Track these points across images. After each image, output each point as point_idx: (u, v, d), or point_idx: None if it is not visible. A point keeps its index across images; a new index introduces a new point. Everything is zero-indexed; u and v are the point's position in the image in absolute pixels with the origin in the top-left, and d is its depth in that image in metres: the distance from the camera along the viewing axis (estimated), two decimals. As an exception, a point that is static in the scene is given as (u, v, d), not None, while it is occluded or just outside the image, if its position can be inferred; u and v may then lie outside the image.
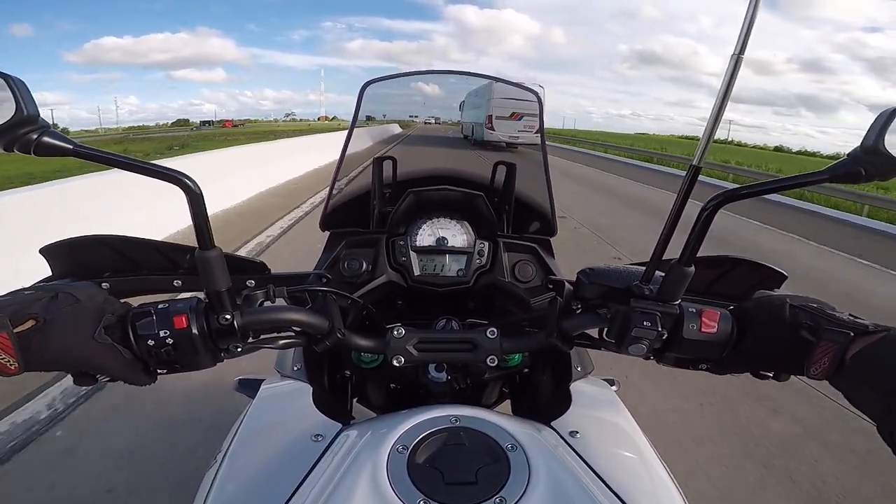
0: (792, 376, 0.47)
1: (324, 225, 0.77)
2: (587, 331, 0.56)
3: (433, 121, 1.53)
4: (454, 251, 0.73)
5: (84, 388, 0.45)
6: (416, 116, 1.44)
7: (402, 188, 0.75)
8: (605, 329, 0.52)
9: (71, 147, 0.38)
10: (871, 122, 0.39)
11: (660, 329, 0.47)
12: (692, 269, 0.45)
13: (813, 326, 0.43)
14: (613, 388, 0.68)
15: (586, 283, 0.53)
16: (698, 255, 0.45)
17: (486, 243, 0.74)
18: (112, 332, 0.43)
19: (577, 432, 0.53)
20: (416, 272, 0.73)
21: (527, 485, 0.40)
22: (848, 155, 0.39)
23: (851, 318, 0.43)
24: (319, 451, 0.49)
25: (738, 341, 0.48)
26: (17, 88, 0.36)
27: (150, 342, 0.44)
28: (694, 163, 0.42)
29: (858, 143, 0.39)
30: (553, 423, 0.55)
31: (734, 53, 0.39)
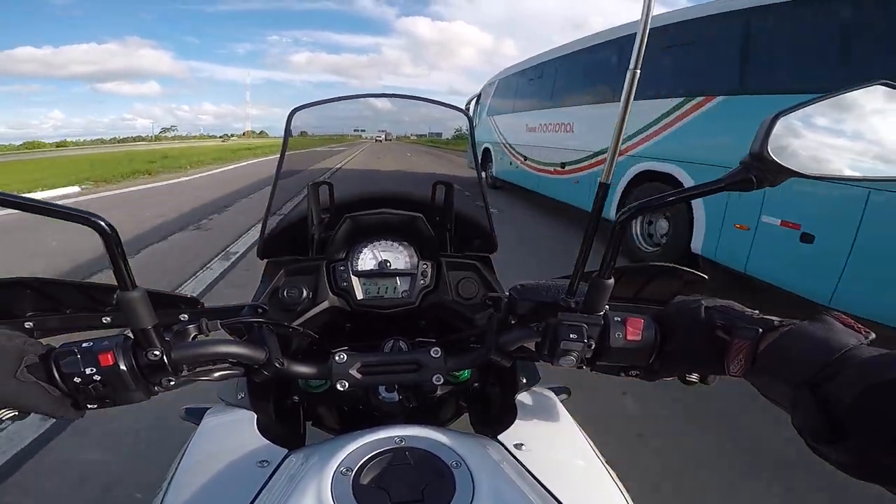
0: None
1: (261, 253, 0.76)
2: (525, 344, 0.57)
3: (382, 136, 1.34)
4: (398, 273, 0.74)
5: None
6: (362, 131, 1.24)
7: (340, 212, 0.75)
8: (538, 342, 0.54)
9: None
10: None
11: (586, 340, 0.48)
12: (612, 280, 0.47)
13: (726, 325, 0.45)
14: (563, 396, 0.70)
15: (518, 299, 0.55)
16: (625, 265, 0.47)
17: (430, 263, 0.75)
18: (35, 371, 0.43)
19: (523, 444, 0.54)
20: (360, 296, 0.73)
21: (471, 500, 0.41)
22: (740, 163, 0.41)
23: (760, 315, 0.45)
24: (264, 477, 0.49)
25: (661, 346, 0.49)
26: None
27: (77, 380, 0.43)
28: (601, 180, 0.44)
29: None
30: (500, 437, 0.56)
31: (630, 69, 0.41)
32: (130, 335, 0.46)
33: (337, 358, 0.57)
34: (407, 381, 0.61)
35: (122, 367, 0.44)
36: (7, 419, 0.43)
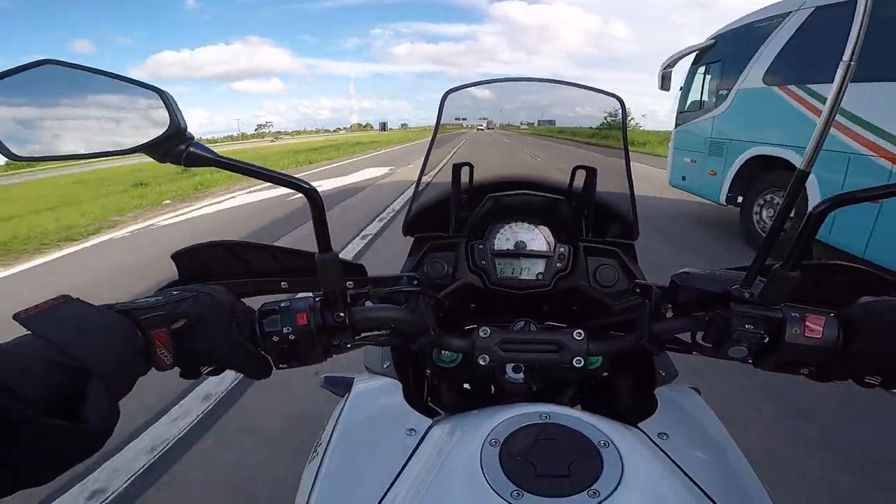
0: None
1: (406, 230, 0.80)
2: (680, 335, 0.56)
3: (484, 125, 1.22)
4: (533, 255, 0.74)
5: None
6: (462, 119, 1.09)
7: (480, 193, 0.77)
8: (702, 333, 0.53)
9: (214, 158, 0.42)
10: None
11: (762, 333, 0.47)
12: (797, 273, 0.44)
13: None
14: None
15: (681, 286, 0.54)
16: (807, 261, 0.44)
17: (567, 247, 0.75)
18: (242, 329, 0.47)
19: (666, 434, 0.53)
20: (496, 275, 0.75)
21: (620, 479, 0.41)
22: None
23: None
24: (413, 444, 0.52)
25: (843, 347, 0.47)
26: (170, 102, 0.40)
27: (275, 339, 0.48)
28: (801, 167, 0.41)
29: None
30: (640, 425, 0.55)
31: (845, 61, 0.38)
32: (316, 298, 0.50)
33: (480, 332, 0.59)
34: (546, 362, 0.61)
35: (313, 327, 0.48)
36: (206, 373, 0.47)
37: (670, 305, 0.58)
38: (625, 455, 0.43)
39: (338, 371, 0.84)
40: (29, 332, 0.34)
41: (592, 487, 0.40)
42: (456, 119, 1.07)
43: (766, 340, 0.47)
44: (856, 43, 0.37)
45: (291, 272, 0.63)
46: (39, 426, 0.29)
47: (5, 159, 0.38)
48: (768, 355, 0.49)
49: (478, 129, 1.18)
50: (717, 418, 0.60)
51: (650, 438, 0.53)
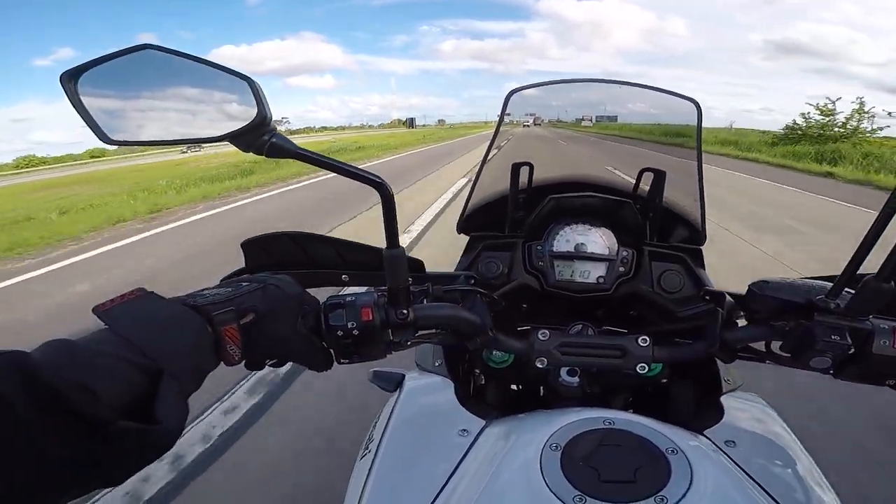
0: None
1: (461, 228, 0.79)
2: (754, 344, 0.55)
3: (530, 121, 1.09)
4: (594, 258, 0.73)
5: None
6: (507, 114, 0.91)
7: (539, 194, 0.75)
8: (780, 343, 0.51)
9: (294, 150, 0.42)
10: None
11: (848, 344, 0.45)
12: (891, 285, 0.42)
13: None
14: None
15: (759, 294, 0.52)
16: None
17: (630, 251, 0.73)
18: (307, 321, 0.47)
19: (734, 442, 0.52)
20: (553, 277, 0.73)
21: (689, 486, 0.39)
22: None
23: None
24: (466, 445, 0.51)
25: None
26: (258, 92, 0.39)
27: (339, 332, 0.47)
28: None
29: None
30: (706, 433, 0.54)
31: None
32: (380, 294, 0.50)
33: (539, 335, 0.58)
34: (608, 367, 0.60)
35: (378, 323, 0.48)
36: (269, 365, 0.47)
37: (742, 313, 0.56)
38: (693, 462, 0.42)
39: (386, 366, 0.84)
40: (106, 326, 0.34)
41: (660, 494, 0.39)
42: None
43: (850, 352, 0.46)
44: None
45: (353, 265, 0.64)
46: (115, 427, 0.29)
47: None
48: (851, 366, 0.48)
49: (524, 126, 1.07)
50: (787, 427, 0.59)
51: (717, 446, 0.51)
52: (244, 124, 0.39)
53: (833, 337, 0.45)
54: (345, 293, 0.50)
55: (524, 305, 0.79)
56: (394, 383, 0.71)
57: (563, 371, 0.69)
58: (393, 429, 0.57)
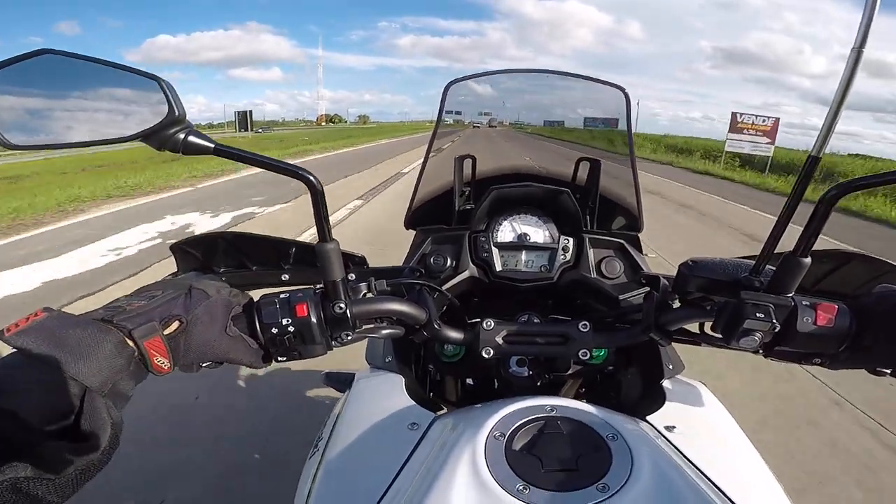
0: None
1: (408, 223, 0.80)
2: (688, 326, 0.55)
3: (485, 121, 1.09)
4: (537, 247, 0.74)
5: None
6: (457, 113, 0.95)
7: (482, 186, 0.76)
8: (710, 323, 0.52)
9: (212, 146, 0.41)
10: None
11: (774, 321, 0.46)
12: (808, 260, 0.43)
13: None
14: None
15: (689, 275, 0.53)
16: (818, 249, 0.44)
17: (571, 239, 0.74)
18: (238, 322, 0.46)
19: (675, 427, 0.53)
20: (498, 267, 0.74)
21: (630, 472, 0.40)
22: None
23: None
24: (416, 438, 0.51)
25: (856, 337, 0.46)
26: (168, 90, 0.39)
27: (274, 330, 0.47)
28: (812, 153, 0.40)
29: None
30: (647, 418, 0.55)
31: (854, 48, 0.38)
32: (317, 290, 0.50)
33: (485, 325, 0.58)
34: (551, 354, 0.60)
35: (313, 318, 0.47)
36: (204, 367, 0.47)
37: (677, 296, 0.57)
38: (634, 448, 0.42)
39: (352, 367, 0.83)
40: (16, 350, 0.33)
41: (602, 481, 0.39)
42: (448, 112, 0.88)
43: (776, 330, 0.46)
44: (865, 30, 0.37)
45: (292, 263, 0.63)
46: (44, 448, 0.28)
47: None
48: (779, 345, 0.48)
49: (474, 127, 1.07)
50: (726, 410, 0.60)
51: (658, 431, 0.52)
52: (155, 123, 0.39)
53: (758, 315, 0.46)
54: (280, 291, 0.50)
55: (476, 299, 0.80)
56: (346, 384, 0.70)
57: (513, 361, 0.69)
58: (341, 426, 0.57)
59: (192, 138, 0.40)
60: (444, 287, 0.71)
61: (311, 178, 0.43)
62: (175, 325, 0.42)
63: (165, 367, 0.41)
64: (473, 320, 0.72)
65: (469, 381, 0.80)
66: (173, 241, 0.60)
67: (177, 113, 0.39)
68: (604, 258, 0.73)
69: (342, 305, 0.49)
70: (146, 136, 0.39)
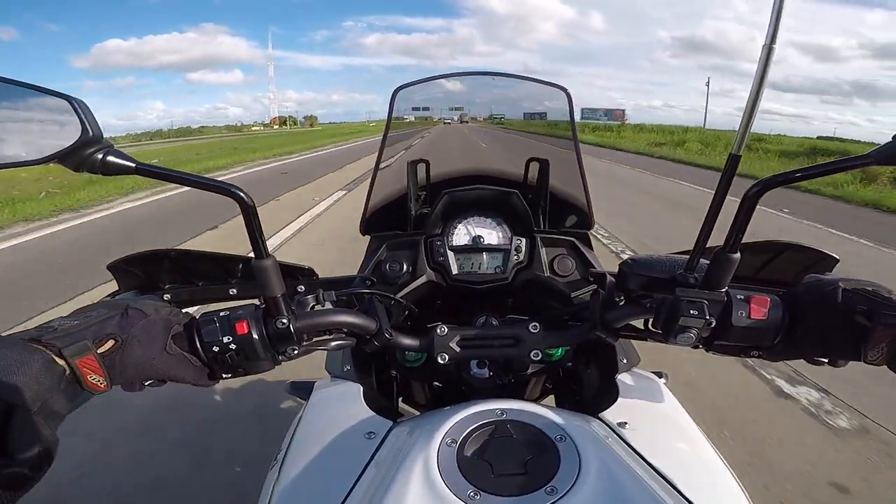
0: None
1: (364, 229, 0.79)
2: (632, 322, 0.56)
3: (456, 117, 1.06)
4: (490, 248, 0.74)
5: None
6: (425, 109, 0.98)
7: (437, 189, 0.76)
8: (651, 319, 0.53)
9: (133, 165, 0.40)
10: None
11: (707, 317, 0.46)
12: (737, 255, 0.44)
13: (867, 311, 0.42)
14: (662, 380, 0.68)
15: (629, 273, 0.53)
16: (748, 241, 0.44)
17: (523, 239, 0.74)
18: (179, 341, 0.46)
19: (627, 423, 0.53)
20: (454, 271, 0.74)
21: (577, 474, 0.40)
22: (893, 138, 0.38)
23: None
24: (373, 448, 0.51)
25: (789, 328, 0.47)
26: (81, 109, 0.38)
27: (215, 348, 0.46)
28: (733, 151, 0.41)
29: None
30: (601, 415, 0.55)
31: (765, 44, 0.39)
32: (260, 305, 0.49)
33: (438, 331, 0.58)
34: (504, 356, 0.61)
35: (255, 335, 0.47)
36: (148, 385, 0.47)
37: (622, 294, 0.57)
38: (581, 448, 0.43)
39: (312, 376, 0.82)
40: None
41: (550, 485, 0.39)
42: (414, 108, 0.91)
43: (712, 325, 0.47)
44: (774, 28, 0.38)
45: (240, 278, 0.62)
46: None
47: None
48: (717, 340, 0.49)
49: (444, 123, 1.06)
50: (679, 403, 0.61)
51: (611, 428, 0.53)
52: (68, 144, 0.37)
53: (692, 312, 0.46)
54: (220, 308, 0.49)
55: (438, 302, 0.80)
56: (309, 393, 0.70)
57: (473, 364, 0.69)
58: (298, 438, 0.56)
59: (111, 158, 0.39)
60: (402, 293, 0.71)
61: (242, 194, 0.42)
62: (110, 343, 0.41)
63: (102, 386, 0.40)
64: (434, 324, 0.72)
65: (437, 383, 0.80)
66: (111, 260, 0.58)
67: (91, 133, 0.37)
68: (556, 257, 0.74)
69: (284, 321, 0.48)
70: (61, 158, 0.38)
